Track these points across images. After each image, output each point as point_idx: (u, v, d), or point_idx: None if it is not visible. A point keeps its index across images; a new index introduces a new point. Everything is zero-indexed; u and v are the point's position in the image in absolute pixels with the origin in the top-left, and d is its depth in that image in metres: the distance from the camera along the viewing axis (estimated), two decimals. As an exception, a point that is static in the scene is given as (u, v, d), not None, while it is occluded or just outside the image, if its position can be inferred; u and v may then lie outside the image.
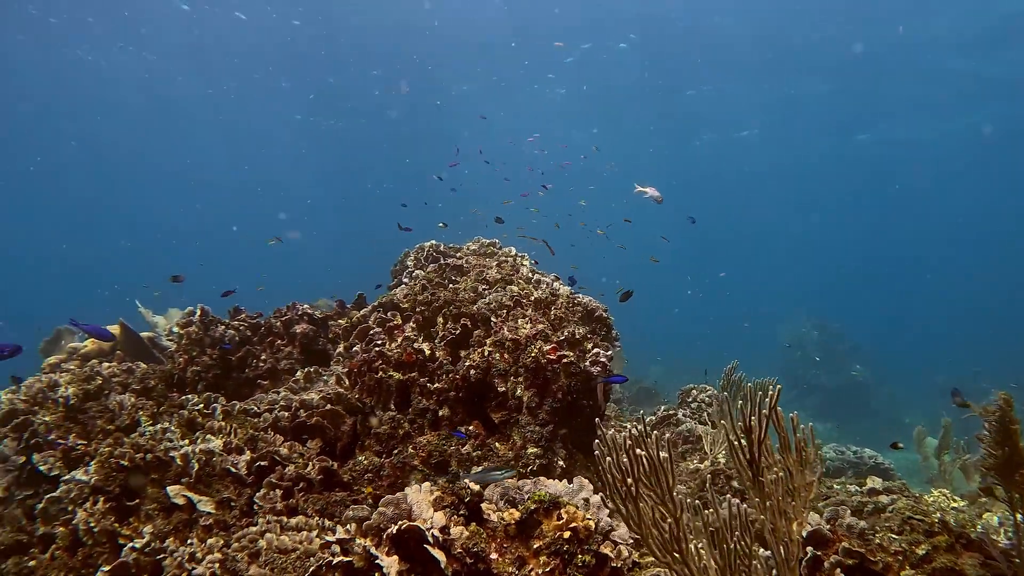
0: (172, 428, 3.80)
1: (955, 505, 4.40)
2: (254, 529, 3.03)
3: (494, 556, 2.28)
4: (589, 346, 4.06)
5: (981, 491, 3.42)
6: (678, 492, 4.68)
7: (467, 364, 3.94)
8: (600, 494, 2.89)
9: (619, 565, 2.34)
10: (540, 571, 2.23)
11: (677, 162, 32.71)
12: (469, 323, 4.24)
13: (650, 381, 14.11)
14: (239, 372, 4.85)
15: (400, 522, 2.25)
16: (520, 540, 2.36)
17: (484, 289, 4.52)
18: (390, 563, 2.16)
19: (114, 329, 5.52)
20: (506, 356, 3.94)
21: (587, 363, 3.97)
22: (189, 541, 3.20)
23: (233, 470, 3.48)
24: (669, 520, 1.94)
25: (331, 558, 2.35)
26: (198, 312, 4.75)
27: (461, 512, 2.38)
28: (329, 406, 4.11)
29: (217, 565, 2.78)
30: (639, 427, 2.00)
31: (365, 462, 3.79)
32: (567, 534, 2.28)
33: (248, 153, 34.47)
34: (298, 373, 4.55)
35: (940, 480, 6.77)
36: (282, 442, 3.79)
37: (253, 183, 40.22)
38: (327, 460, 3.71)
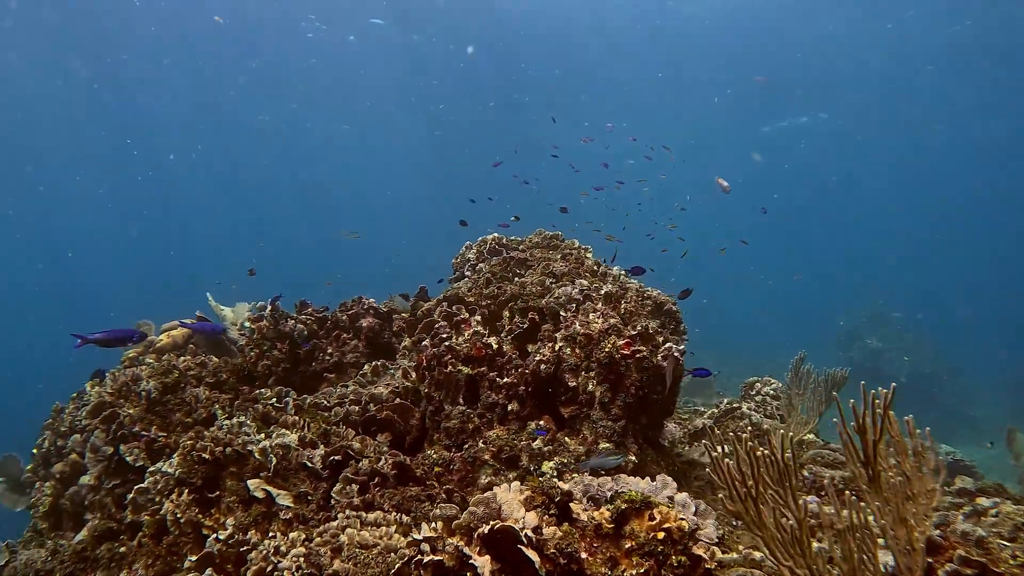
0: (248, 422, 3.88)
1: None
2: (334, 524, 3.07)
3: (585, 556, 2.26)
4: (661, 340, 4.00)
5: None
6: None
7: (537, 359, 3.92)
8: (685, 492, 2.85)
9: (712, 567, 2.29)
10: (633, 572, 2.20)
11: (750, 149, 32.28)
12: (537, 317, 4.22)
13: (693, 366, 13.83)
14: (306, 365, 4.93)
15: (492, 522, 2.24)
16: (611, 540, 2.33)
17: (551, 283, 4.49)
18: (483, 563, 2.16)
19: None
20: (577, 351, 3.90)
21: (659, 358, 3.92)
22: (271, 534, 3.27)
23: (309, 464, 3.54)
24: (791, 521, 1.89)
25: (420, 556, 2.37)
26: (269, 307, 4.84)
27: (551, 512, 2.37)
28: (398, 400, 4.15)
29: (302, 559, 2.83)
30: (748, 428, 1.94)
31: (434, 456, 3.81)
32: (661, 535, 2.25)
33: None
34: (365, 367, 4.60)
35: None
36: (354, 436, 3.84)
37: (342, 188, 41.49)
38: (398, 454, 3.74)
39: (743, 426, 5.16)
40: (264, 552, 2.98)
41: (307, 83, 27.16)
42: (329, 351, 4.89)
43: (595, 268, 4.95)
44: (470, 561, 2.21)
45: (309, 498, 3.42)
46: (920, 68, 22.45)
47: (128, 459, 4.17)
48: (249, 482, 3.43)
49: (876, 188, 38.03)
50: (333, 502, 3.37)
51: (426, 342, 4.23)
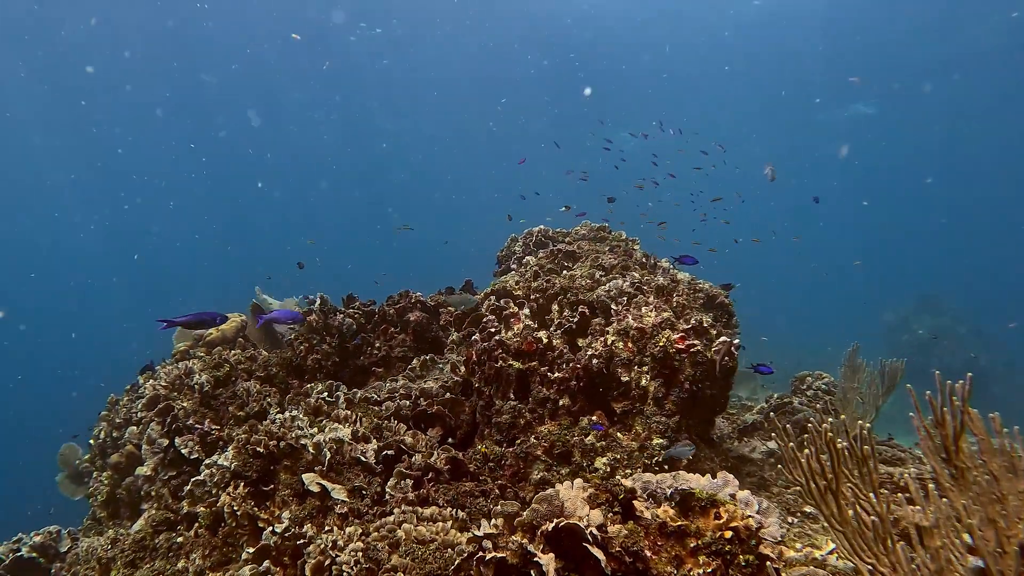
0: (300, 416, 3.90)
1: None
2: (391, 519, 3.07)
3: (649, 555, 2.22)
4: (714, 334, 3.92)
5: None
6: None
7: (589, 353, 3.87)
8: (747, 490, 2.78)
9: (779, 566, 2.23)
10: (699, 571, 2.15)
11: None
12: (587, 311, 4.17)
13: (744, 363, 13.65)
14: (355, 359, 4.95)
15: (557, 519, 2.21)
16: (676, 539, 2.28)
17: (601, 276, 4.44)
18: (547, 560, 2.13)
19: (235, 317, 5.74)
20: (630, 345, 3.85)
21: (713, 352, 3.84)
22: (327, 528, 3.29)
23: (363, 459, 3.55)
24: (872, 517, 1.82)
25: (482, 553, 2.35)
26: (318, 301, 4.87)
27: (615, 509, 2.33)
28: (448, 395, 4.14)
29: (360, 554, 2.84)
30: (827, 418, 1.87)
31: (486, 451, 3.80)
32: (728, 533, 2.19)
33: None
34: (414, 361, 4.60)
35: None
36: (405, 431, 3.84)
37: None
38: (450, 449, 3.73)
39: (796, 421, 5.05)
40: (322, 546, 2.99)
41: (378, 81, 27.82)
42: (377, 345, 4.90)
43: (644, 260, 4.88)
44: (534, 559, 2.18)
45: (363, 492, 3.43)
46: (971, 57, 21.82)
47: (183, 451, 4.23)
48: (304, 476, 3.45)
49: (922, 176, 37.06)
50: (387, 496, 3.38)
51: (476, 336, 4.21)
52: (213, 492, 3.74)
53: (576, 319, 4.15)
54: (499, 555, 2.31)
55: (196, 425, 4.27)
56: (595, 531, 2.21)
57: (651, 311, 3.93)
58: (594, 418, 3.83)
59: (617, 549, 2.20)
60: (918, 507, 1.85)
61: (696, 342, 3.77)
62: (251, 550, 3.40)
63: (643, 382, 3.79)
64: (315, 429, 3.77)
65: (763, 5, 21.75)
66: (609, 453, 3.67)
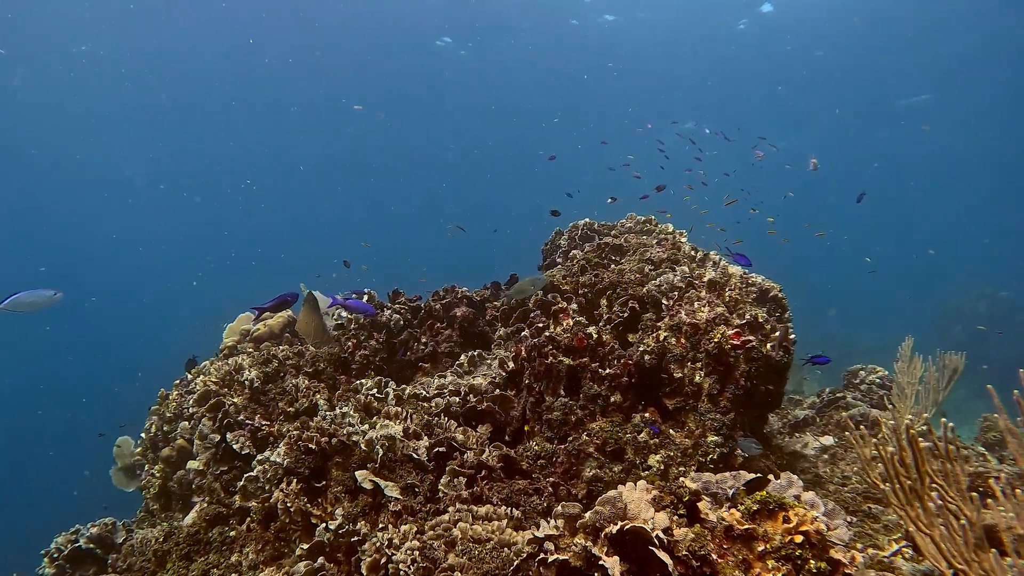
0: (351, 413, 3.91)
1: None
2: (446, 517, 3.06)
3: (716, 559, 2.17)
4: (769, 328, 3.83)
5: None
6: (860, 483, 4.35)
7: (641, 349, 3.81)
8: (812, 491, 2.71)
9: (852, 572, 2.16)
10: (769, 578, 2.09)
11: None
12: (637, 306, 4.10)
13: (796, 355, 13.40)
14: (401, 354, 4.95)
15: (622, 522, 2.17)
16: (742, 542, 2.22)
17: (650, 270, 4.36)
18: (612, 563, 2.09)
19: (282, 312, 5.78)
20: (683, 341, 3.78)
21: (769, 347, 3.75)
22: (380, 525, 3.29)
23: (415, 456, 3.54)
24: (961, 521, 1.74)
25: (543, 555, 2.31)
26: (365, 297, 4.88)
27: (680, 512, 2.27)
28: (498, 391, 4.11)
29: (416, 553, 2.83)
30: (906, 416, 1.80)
31: (536, 448, 3.76)
32: (798, 538, 2.13)
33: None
34: (462, 357, 4.58)
35: None
36: (456, 427, 3.83)
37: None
38: (502, 446, 3.71)
39: (851, 416, 4.93)
40: (377, 544, 2.99)
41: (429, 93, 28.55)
42: (423, 340, 4.89)
43: (692, 253, 4.79)
44: (599, 562, 2.14)
45: (416, 490, 3.43)
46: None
47: (235, 447, 4.28)
48: (357, 473, 3.45)
49: (977, 166, 36.06)
50: (441, 494, 3.36)
51: (525, 332, 4.18)
52: (266, 488, 3.77)
53: (626, 314, 4.08)
54: (562, 557, 2.27)
55: (247, 421, 4.31)
56: (661, 534, 2.16)
57: (704, 306, 3.85)
58: (647, 415, 3.77)
59: (684, 553, 2.15)
60: (1010, 511, 1.77)
61: (751, 337, 3.68)
62: (305, 546, 3.42)
63: (696, 378, 3.72)
64: (366, 426, 3.77)
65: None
66: (662, 451, 3.61)
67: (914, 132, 28.30)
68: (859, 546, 3.28)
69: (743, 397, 3.77)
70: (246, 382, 4.47)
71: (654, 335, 3.88)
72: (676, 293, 4.06)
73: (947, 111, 27.28)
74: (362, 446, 3.57)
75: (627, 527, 2.16)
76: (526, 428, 4.00)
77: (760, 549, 2.20)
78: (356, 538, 3.27)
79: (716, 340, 3.64)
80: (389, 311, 4.89)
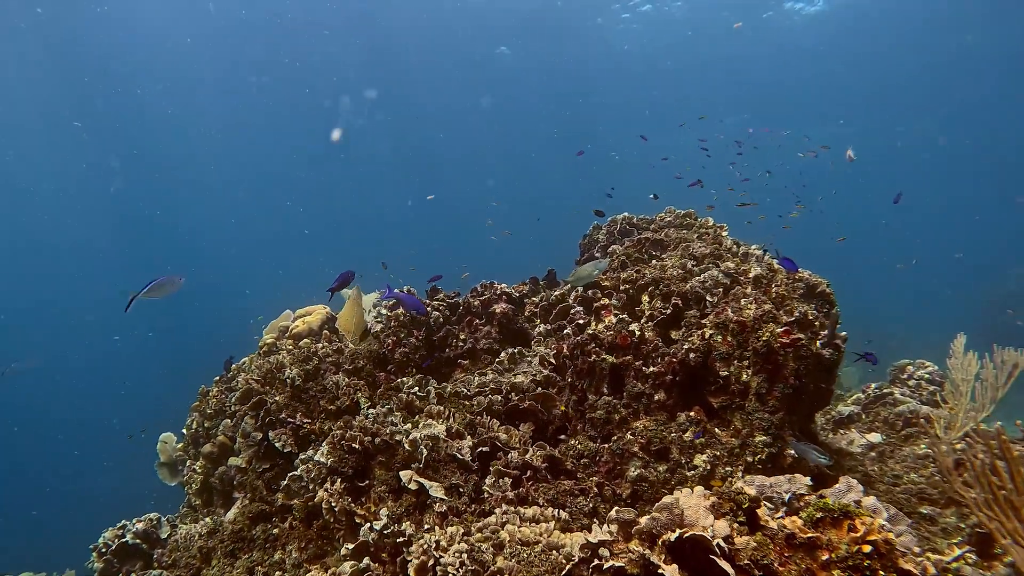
0: (393, 412, 3.90)
1: None
2: (493, 519, 3.03)
3: (778, 567, 2.11)
4: (818, 326, 3.74)
5: None
6: (913, 483, 4.23)
7: (686, 347, 3.74)
8: (873, 496, 2.64)
9: (921, 585, 2.09)
10: (836, 589, 2.03)
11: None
12: (680, 302, 4.03)
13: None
14: (440, 352, 4.93)
15: (680, 529, 2.12)
16: (805, 551, 2.16)
17: (692, 265, 4.28)
18: (672, 572, 2.04)
19: (320, 309, 5.80)
20: (729, 339, 3.70)
21: (818, 345, 3.66)
22: (426, 526, 3.28)
23: (459, 456, 3.52)
24: None
25: (598, 561, 2.27)
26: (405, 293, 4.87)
27: (740, 519, 2.22)
28: (540, 389, 4.07)
29: (465, 556, 2.80)
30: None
31: (580, 447, 3.72)
32: (866, 548, 2.05)
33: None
34: (502, 355, 4.55)
35: None
36: (499, 426, 3.80)
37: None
38: (546, 446, 3.67)
39: (900, 413, 4.81)
40: (424, 546, 2.97)
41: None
42: (462, 337, 4.87)
43: (735, 248, 4.70)
44: (658, 571, 2.09)
45: (460, 490, 3.40)
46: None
47: (277, 445, 4.29)
48: (401, 473, 3.44)
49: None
50: (486, 495, 3.34)
51: (567, 330, 4.13)
52: (310, 488, 3.77)
53: (669, 311, 4.01)
54: (618, 564, 2.23)
55: (288, 419, 4.32)
56: (722, 543, 2.10)
57: (750, 303, 3.77)
58: (692, 414, 3.70)
59: (745, 562, 2.09)
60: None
61: (801, 336, 3.59)
62: (350, 546, 3.42)
63: (744, 377, 3.64)
64: (409, 425, 3.76)
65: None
66: (708, 450, 3.55)
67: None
68: (916, 549, 3.19)
69: (792, 396, 3.69)
70: (287, 380, 4.48)
71: (699, 333, 3.81)
72: (720, 290, 3.98)
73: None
74: (406, 446, 3.55)
75: (687, 535, 2.11)
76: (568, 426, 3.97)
77: (824, 559, 2.14)
78: (401, 539, 3.26)
79: (765, 338, 3.55)
80: (428, 308, 4.87)
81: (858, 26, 22.52)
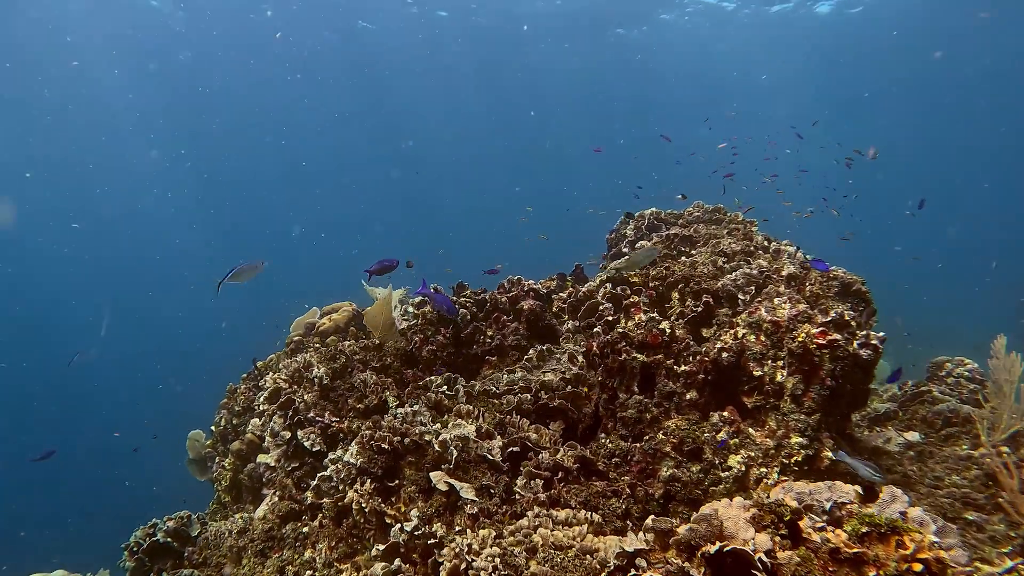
0: (422, 411, 3.88)
1: None
2: (525, 522, 3.00)
3: (822, 582, 2.05)
4: (855, 326, 3.65)
5: None
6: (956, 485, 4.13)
7: (719, 346, 3.67)
8: (919, 508, 2.56)
9: (973, 600, 2.02)
10: (884, 606, 1.96)
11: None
12: (712, 300, 3.96)
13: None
14: (467, 348, 4.90)
15: (721, 542, 2.06)
16: (850, 566, 2.09)
17: (723, 263, 4.20)
18: (712, 587, 2.00)
19: (347, 306, 5.79)
20: (763, 339, 3.62)
21: (855, 346, 3.57)
22: (457, 528, 3.25)
23: (489, 457, 3.48)
24: None
25: (635, 571, 2.23)
26: (432, 291, 4.83)
27: (781, 531, 2.16)
28: (569, 388, 4.03)
29: (498, 560, 2.77)
30: None
31: (611, 446, 3.67)
32: (917, 566, 1.99)
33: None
34: (531, 352, 4.51)
35: None
36: (529, 426, 3.76)
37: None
38: (577, 445, 3.63)
39: (939, 411, 4.69)
40: (457, 549, 2.94)
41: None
42: (489, 334, 4.83)
43: (766, 244, 4.61)
44: (699, 584, 2.04)
45: (491, 491, 3.37)
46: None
47: (306, 444, 4.29)
48: (432, 474, 3.42)
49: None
50: (517, 496, 3.30)
51: (597, 328, 4.07)
52: (340, 488, 3.76)
53: (700, 309, 3.94)
54: (656, 575, 2.18)
55: (317, 418, 4.32)
56: (764, 557, 2.04)
57: (784, 302, 3.69)
58: (725, 414, 3.63)
59: (789, 576, 2.03)
60: None
61: (837, 336, 3.50)
62: (381, 547, 3.40)
63: (778, 377, 3.56)
64: (438, 425, 3.73)
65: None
66: (743, 451, 3.48)
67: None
68: (967, 566, 3.11)
69: (828, 397, 3.61)
70: (315, 379, 4.47)
71: (731, 332, 3.73)
72: (753, 288, 3.90)
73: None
74: (435, 446, 3.53)
75: (728, 548, 2.05)
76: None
77: (871, 575, 2.07)
78: (432, 540, 3.24)
79: (800, 339, 3.47)
80: (456, 306, 4.84)
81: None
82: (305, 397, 4.42)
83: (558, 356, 4.43)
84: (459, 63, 27.34)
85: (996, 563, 2.89)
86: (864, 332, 3.64)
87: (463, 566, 2.89)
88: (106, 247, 39.64)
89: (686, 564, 2.13)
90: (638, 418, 3.75)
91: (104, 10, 19.99)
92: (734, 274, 3.96)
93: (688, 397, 3.75)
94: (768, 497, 2.33)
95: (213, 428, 5.81)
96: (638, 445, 3.62)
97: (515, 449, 3.56)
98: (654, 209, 5.51)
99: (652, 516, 2.38)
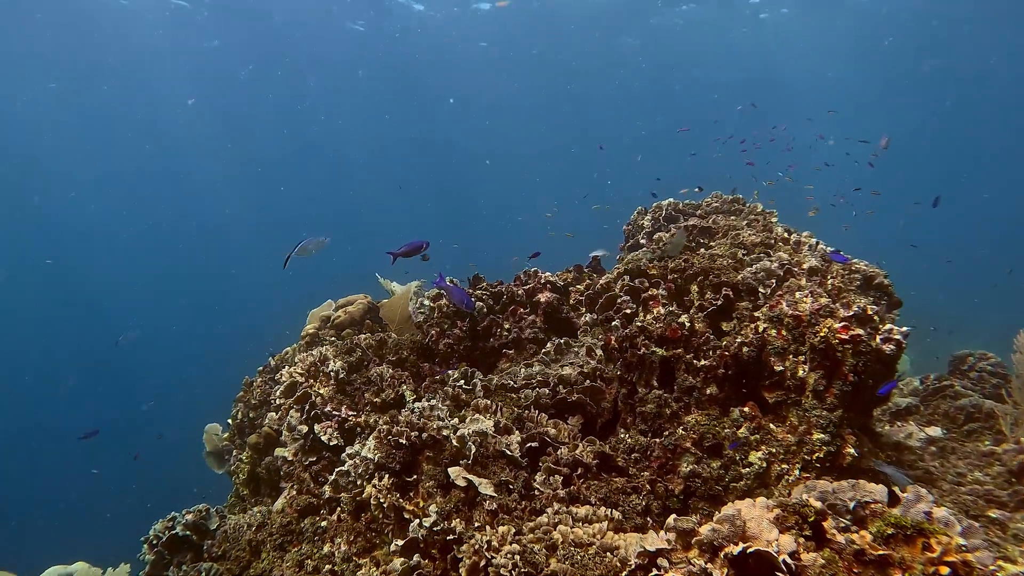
0: (439, 405, 3.86)
1: None
2: (545, 519, 2.98)
3: (848, 585, 2.02)
4: (878, 320, 3.59)
5: None
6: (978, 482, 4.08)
7: (739, 341, 3.63)
8: (944, 508, 2.52)
9: (1003, 604, 1.98)
10: (911, 609, 1.93)
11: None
12: (731, 293, 3.91)
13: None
14: (484, 342, 4.88)
15: (745, 543, 2.03)
16: (875, 568, 2.06)
17: (743, 255, 4.15)
18: (736, 589, 1.97)
19: (362, 298, 5.78)
20: (783, 333, 3.58)
21: (879, 340, 3.52)
22: (475, 523, 3.24)
23: (508, 452, 3.47)
24: None
25: (657, 571, 2.20)
26: (449, 284, 4.81)
27: (805, 532, 2.12)
28: (588, 382, 4.00)
29: (518, 557, 2.76)
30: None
31: (630, 441, 3.64)
32: (944, 569, 1.95)
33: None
34: (548, 345, 4.48)
35: None
36: (547, 421, 3.74)
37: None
38: (595, 441, 3.60)
39: (961, 407, 4.64)
40: (476, 546, 2.93)
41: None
42: (506, 327, 4.80)
43: (786, 236, 4.55)
44: (722, 586, 2.01)
45: (510, 487, 3.36)
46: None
47: (323, 438, 4.30)
48: (450, 470, 3.40)
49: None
50: (536, 493, 3.29)
51: (616, 321, 4.04)
52: (358, 483, 3.76)
53: (720, 302, 3.90)
54: (678, 575, 2.16)
55: (334, 412, 4.32)
56: (787, 559, 2.01)
57: (806, 296, 3.63)
58: (746, 409, 3.59)
59: (814, 578, 2.00)
60: None
61: (860, 331, 3.45)
62: (400, 543, 3.40)
63: (800, 373, 3.52)
64: (456, 420, 3.72)
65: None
66: (764, 447, 3.44)
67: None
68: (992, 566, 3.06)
69: (850, 392, 3.56)
70: (332, 373, 4.47)
71: (752, 326, 3.69)
72: (774, 281, 3.85)
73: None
74: (454, 442, 3.51)
75: (751, 550, 2.02)
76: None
77: None
78: (451, 536, 3.22)
79: (823, 335, 3.42)
80: (471, 298, 4.82)
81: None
82: (322, 391, 4.42)
83: (576, 349, 4.40)
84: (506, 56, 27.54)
85: (1020, 562, 2.84)
86: (887, 326, 3.59)
87: (483, 563, 2.88)
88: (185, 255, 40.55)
89: (708, 565, 2.11)
90: (657, 413, 3.72)
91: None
92: (754, 267, 3.91)
93: (708, 392, 3.71)
94: (791, 496, 2.30)
95: (230, 421, 5.83)
96: (657, 440, 3.59)
97: (533, 444, 3.55)
98: (671, 200, 5.45)
99: (674, 516, 2.35)
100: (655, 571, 2.24)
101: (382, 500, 3.53)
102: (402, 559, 3.34)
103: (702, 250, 4.42)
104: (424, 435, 3.62)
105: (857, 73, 28.62)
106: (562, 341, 4.47)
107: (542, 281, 4.90)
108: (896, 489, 3.17)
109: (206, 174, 39.60)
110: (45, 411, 27.54)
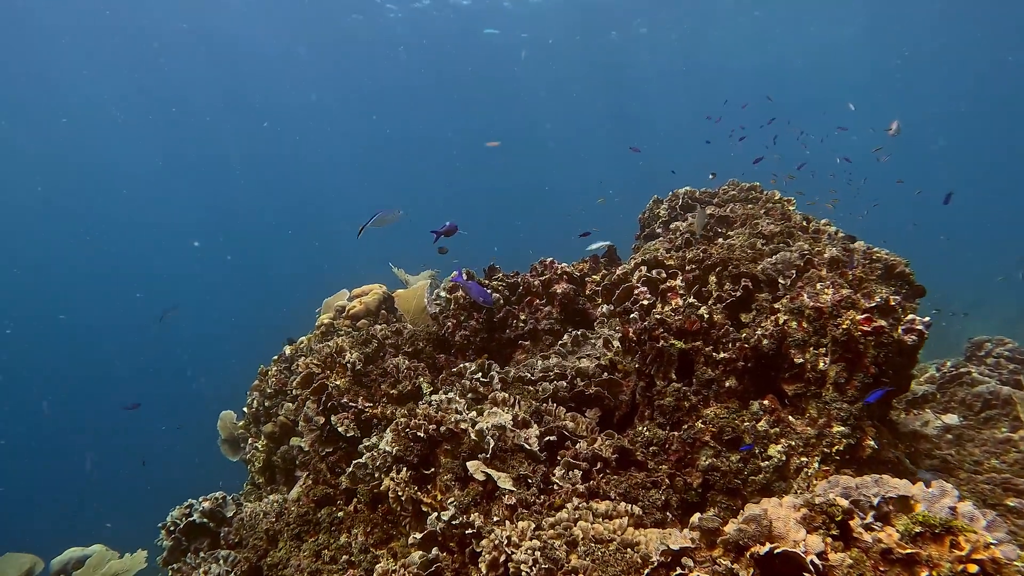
0: (457, 398, 3.85)
1: None
2: (564, 515, 2.97)
3: (876, 585, 2.00)
4: (900, 311, 3.55)
5: None
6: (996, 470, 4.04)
7: (759, 333, 3.60)
8: (969, 502, 2.49)
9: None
10: (940, 610, 1.92)
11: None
12: (751, 284, 3.88)
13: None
14: (500, 333, 4.86)
15: (772, 544, 2.02)
16: (902, 566, 2.04)
17: (762, 245, 4.11)
18: (764, 591, 1.96)
19: (377, 288, 5.77)
20: (804, 325, 3.54)
21: (901, 331, 3.48)
22: (494, 518, 3.24)
23: (526, 446, 3.46)
24: None
25: (681, 570, 2.19)
26: (464, 277, 4.79)
27: (832, 532, 2.11)
28: (606, 375, 3.98)
29: (538, 553, 2.75)
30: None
31: (648, 434, 3.63)
32: (972, 567, 1.93)
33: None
34: (565, 337, 4.46)
35: None
36: (565, 414, 3.73)
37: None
38: (613, 434, 3.59)
39: (978, 393, 4.60)
40: (496, 542, 2.93)
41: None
42: (522, 318, 4.78)
43: (804, 224, 4.50)
44: (749, 587, 2.00)
45: (529, 481, 3.35)
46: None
47: (339, 429, 4.30)
48: (469, 464, 3.40)
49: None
50: (555, 487, 3.28)
51: (634, 313, 4.01)
52: (375, 476, 3.77)
53: (739, 293, 3.86)
54: (701, 575, 2.15)
55: (350, 403, 4.32)
56: (815, 559, 2.00)
57: (827, 287, 3.59)
58: (766, 402, 3.57)
59: (842, 580, 1.98)
60: None
61: (883, 323, 3.41)
62: (418, 536, 3.40)
63: (820, 365, 3.49)
64: (473, 413, 3.71)
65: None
66: (783, 440, 3.43)
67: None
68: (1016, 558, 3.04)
69: (871, 384, 3.53)
70: (348, 364, 4.47)
71: (772, 318, 3.66)
72: (793, 272, 3.81)
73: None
74: (472, 436, 3.51)
75: (778, 550, 2.01)
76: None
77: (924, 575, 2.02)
78: (469, 530, 3.23)
79: (845, 327, 3.38)
80: (488, 289, 4.80)
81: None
82: (338, 382, 4.42)
83: (593, 341, 4.38)
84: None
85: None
86: (910, 317, 3.54)
87: (502, 558, 2.88)
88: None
89: (734, 565, 2.10)
90: (676, 406, 3.70)
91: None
92: (774, 257, 3.86)
93: (727, 385, 3.69)
94: (817, 495, 2.28)
95: (245, 409, 5.85)
96: (676, 434, 3.57)
97: (552, 438, 3.54)
98: (688, 188, 5.39)
99: (698, 515, 2.33)
100: (679, 570, 2.22)
101: (400, 493, 3.53)
102: (420, 552, 3.34)
103: (720, 240, 4.38)
104: (442, 428, 3.62)
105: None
106: (579, 333, 4.44)
107: (558, 272, 4.86)
108: (921, 484, 3.16)
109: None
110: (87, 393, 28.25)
